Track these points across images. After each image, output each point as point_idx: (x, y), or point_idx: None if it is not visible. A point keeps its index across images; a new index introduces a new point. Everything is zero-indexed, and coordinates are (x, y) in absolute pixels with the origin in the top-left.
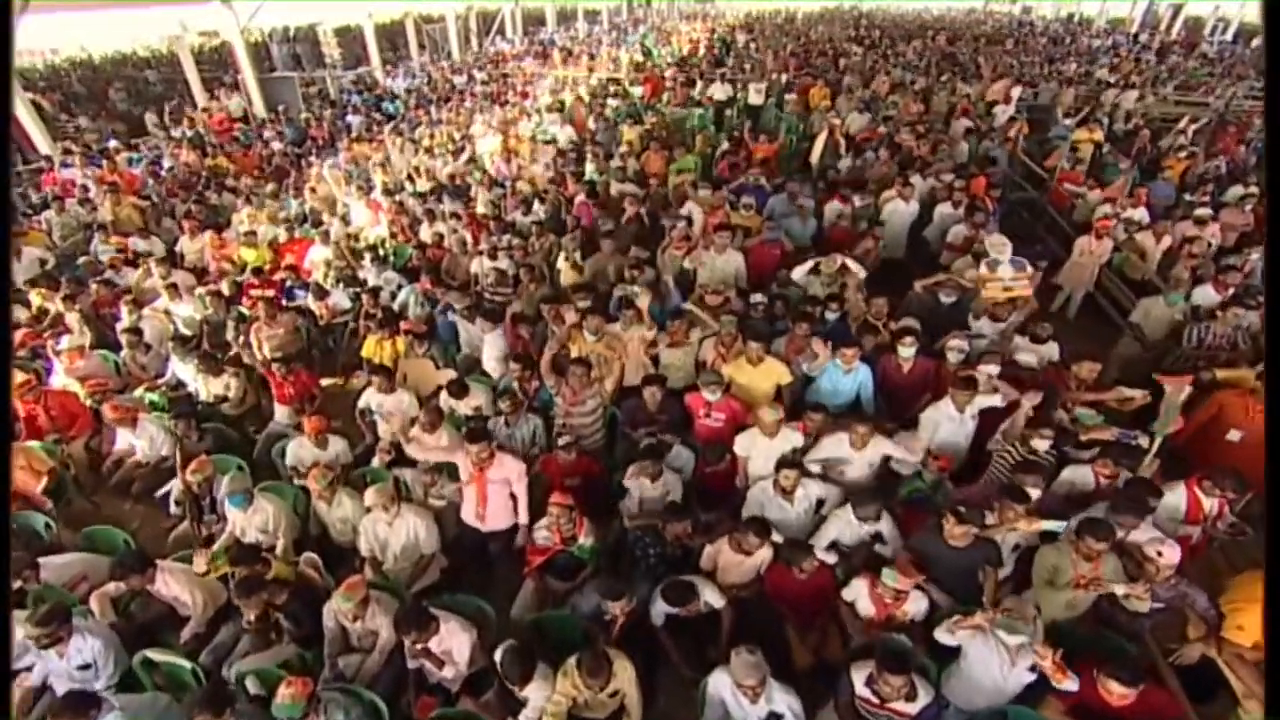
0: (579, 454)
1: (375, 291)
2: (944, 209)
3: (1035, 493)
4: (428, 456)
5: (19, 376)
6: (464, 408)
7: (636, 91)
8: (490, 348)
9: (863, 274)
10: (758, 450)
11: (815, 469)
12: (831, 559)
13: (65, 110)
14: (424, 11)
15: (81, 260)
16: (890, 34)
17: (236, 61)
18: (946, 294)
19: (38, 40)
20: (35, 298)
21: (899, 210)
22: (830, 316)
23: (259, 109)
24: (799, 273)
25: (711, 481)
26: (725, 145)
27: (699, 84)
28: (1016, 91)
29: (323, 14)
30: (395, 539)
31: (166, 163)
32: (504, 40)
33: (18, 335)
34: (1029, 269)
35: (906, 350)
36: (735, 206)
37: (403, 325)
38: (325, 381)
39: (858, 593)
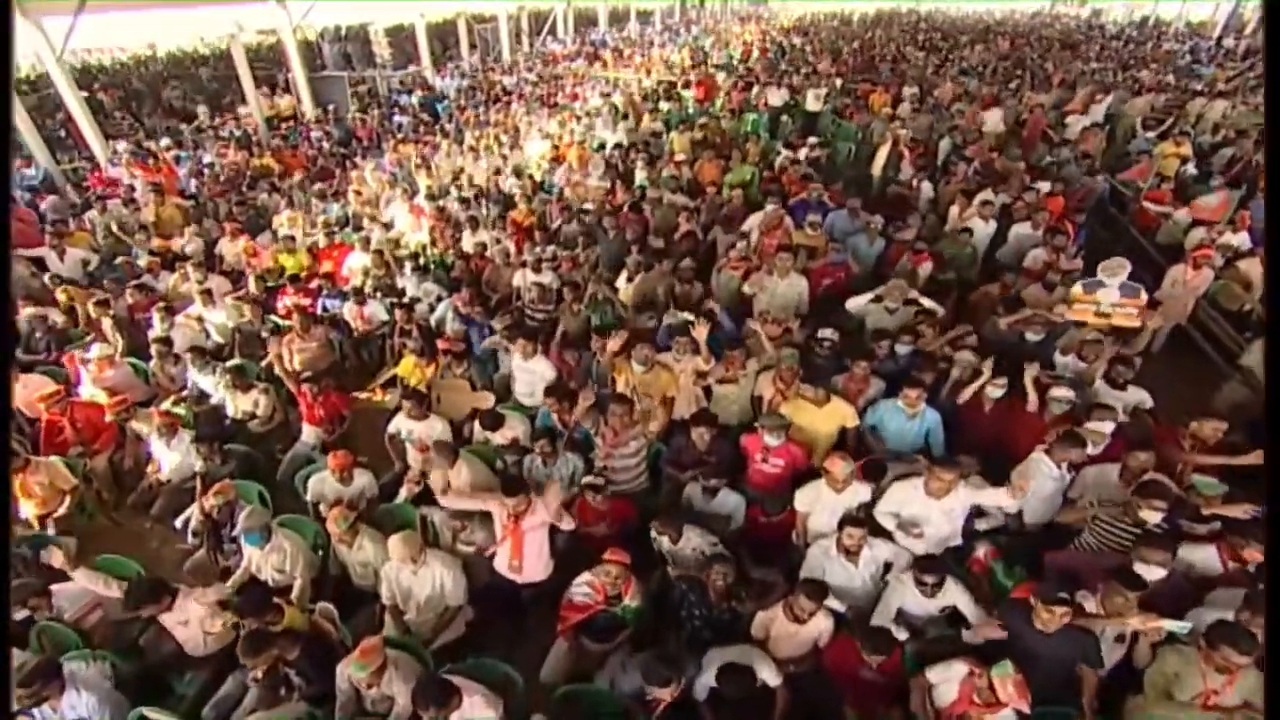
0: (611, 498)
1: (412, 305)
2: (1021, 229)
3: (1159, 573)
4: (462, 506)
5: (49, 386)
6: (499, 438)
7: (689, 95)
8: (527, 374)
9: (929, 305)
10: (822, 504)
11: (890, 524)
12: (902, 635)
13: (125, 107)
14: (476, 11)
15: (118, 261)
16: (952, 37)
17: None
18: (1034, 332)
19: (106, 38)
20: (61, 295)
21: (977, 230)
22: (902, 350)
23: (308, 108)
24: (856, 304)
25: (765, 532)
26: (784, 154)
27: (755, 88)
28: (1104, 102)
29: (375, 13)
30: (419, 588)
31: (207, 159)
32: (555, 40)
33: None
34: (1143, 296)
35: (996, 391)
36: (800, 225)
37: (439, 344)
38: (356, 394)
39: (948, 676)
